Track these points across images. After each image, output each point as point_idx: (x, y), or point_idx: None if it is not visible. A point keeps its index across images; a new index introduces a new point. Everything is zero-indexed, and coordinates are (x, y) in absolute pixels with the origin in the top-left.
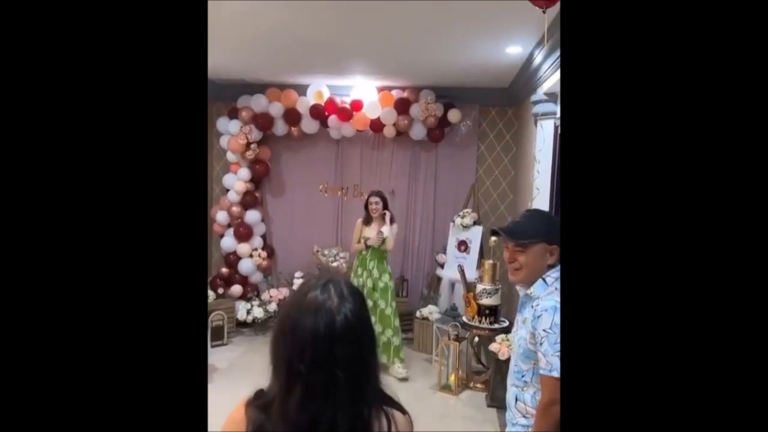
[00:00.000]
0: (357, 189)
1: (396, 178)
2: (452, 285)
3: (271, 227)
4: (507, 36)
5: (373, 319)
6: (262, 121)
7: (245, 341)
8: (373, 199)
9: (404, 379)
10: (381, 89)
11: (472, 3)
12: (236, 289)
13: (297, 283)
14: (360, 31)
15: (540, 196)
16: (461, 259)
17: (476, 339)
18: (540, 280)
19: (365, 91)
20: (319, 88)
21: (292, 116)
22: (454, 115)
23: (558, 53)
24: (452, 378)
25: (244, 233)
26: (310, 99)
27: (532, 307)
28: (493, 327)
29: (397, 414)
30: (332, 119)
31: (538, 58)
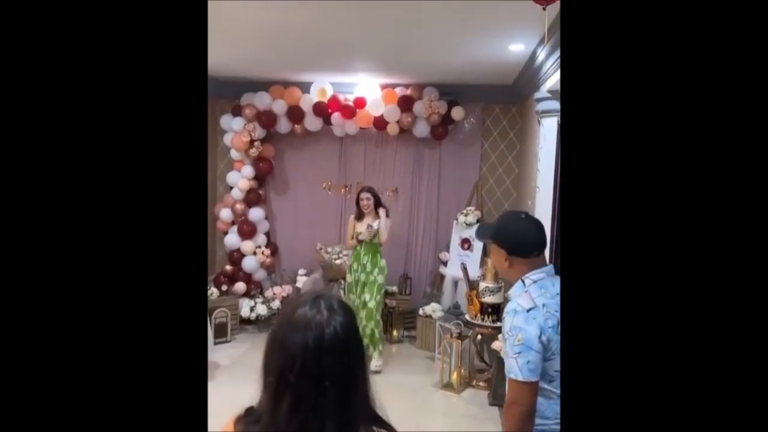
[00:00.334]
0: (360, 186)
1: (399, 176)
2: (455, 283)
3: (275, 225)
4: (510, 33)
5: (361, 315)
6: (266, 119)
7: (249, 338)
8: (364, 195)
9: (377, 372)
10: (384, 87)
11: (475, 1)
12: (240, 286)
13: (301, 280)
14: (364, 28)
15: (541, 194)
16: (464, 257)
17: (479, 337)
18: (519, 281)
19: (369, 89)
20: (323, 86)
21: (295, 114)
22: (457, 113)
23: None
24: (454, 376)
25: (247, 231)
26: (314, 96)
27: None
28: (495, 325)
29: None
30: (335, 117)
31: (540, 55)
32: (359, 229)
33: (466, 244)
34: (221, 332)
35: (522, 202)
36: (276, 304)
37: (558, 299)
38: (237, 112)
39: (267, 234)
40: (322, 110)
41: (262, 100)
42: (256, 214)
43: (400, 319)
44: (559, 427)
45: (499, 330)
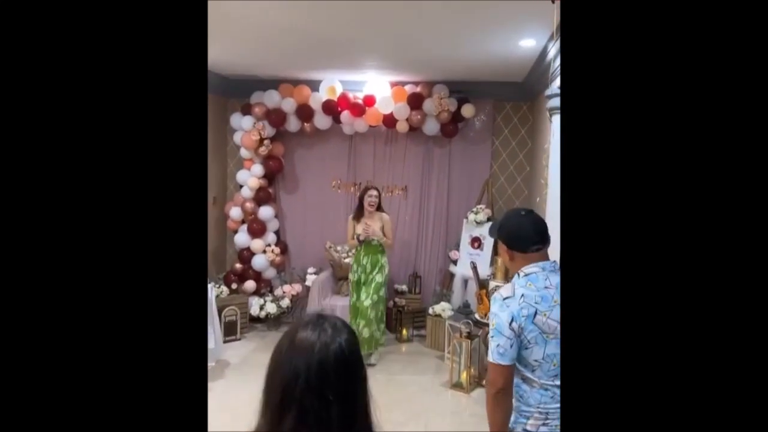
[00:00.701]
0: (370, 184)
1: (409, 174)
2: (465, 282)
3: (285, 223)
4: (520, 29)
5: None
6: (275, 117)
7: (258, 336)
8: (373, 192)
9: (370, 365)
10: (394, 84)
11: None
12: (250, 284)
13: (310, 278)
14: (373, 25)
15: (550, 190)
16: (474, 256)
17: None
18: (515, 274)
19: (378, 87)
20: (332, 84)
21: (304, 112)
22: (467, 110)
23: None
24: (464, 376)
25: (257, 229)
26: (323, 95)
27: None
28: None
29: None
30: (345, 115)
31: (551, 51)
32: (358, 229)
33: (476, 242)
34: (231, 330)
35: (532, 200)
36: (285, 303)
37: (543, 292)
38: (247, 110)
39: (277, 232)
40: (331, 108)
41: (271, 99)
42: (265, 212)
43: (409, 318)
44: (540, 414)
45: None
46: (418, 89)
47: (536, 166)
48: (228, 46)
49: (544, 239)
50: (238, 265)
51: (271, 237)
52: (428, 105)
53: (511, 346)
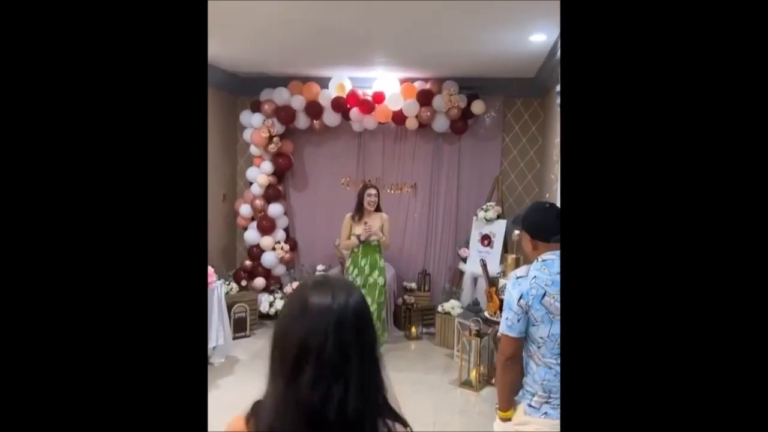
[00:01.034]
0: (379, 182)
1: (418, 171)
2: (474, 280)
3: (294, 220)
4: (530, 24)
5: None
6: (285, 115)
7: (267, 333)
8: (372, 191)
9: None
10: (403, 81)
11: None
12: (259, 281)
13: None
14: (382, 21)
15: (558, 185)
16: (484, 254)
17: (498, 334)
18: (535, 259)
19: (387, 83)
20: (341, 81)
21: (314, 109)
22: (477, 107)
23: None
24: (473, 374)
25: (267, 226)
26: (332, 91)
27: None
28: None
29: (399, 427)
30: (354, 112)
31: None
32: (357, 230)
33: (486, 240)
34: (241, 327)
35: (542, 197)
36: None
37: (555, 277)
38: (256, 108)
39: (286, 229)
40: (340, 105)
41: (280, 96)
42: (275, 209)
43: (418, 315)
44: (543, 392)
45: None
46: (428, 86)
47: (547, 162)
48: (237, 44)
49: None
50: (247, 262)
51: (280, 234)
52: (438, 101)
53: (518, 321)
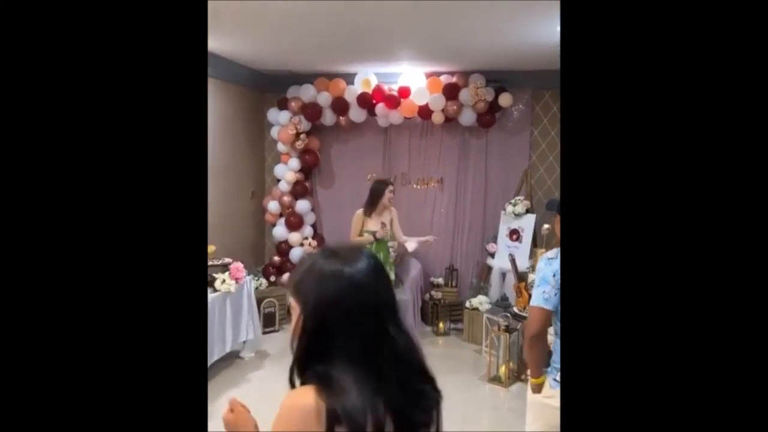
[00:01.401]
0: (405, 177)
1: (445, 166)
2: (503, 275)
3: (321, 216)
4: (557, 14)
5: None
6: (311, 111)
7: None
8: (392, 188)
9: None
10: (429, 75)
11: None
12: (287, 277)
13: None
14: (408, 16)
15: None
16: (513, 249)
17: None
18: None
19: (413, 78)
20: (367, 76)
21: (340, 105)
22: (505, 99)
23: None
24: (502, 370)
25: (294, 222)
26: (358, 87)
27: None
28: None
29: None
30: (380, 107)
31: None
32: (371, 226)
33: (514, 234)
34: (270, 322)
35: None
36: None
37: None
38: (283, 105)
39: (313, 225)
40: (366, 101)
41: (307, 93)
42: (302, 206)
43: (446, 311)
44: None
45: None
46: (454, 79)
47: None
48: (263, 42)
49: None
50: (276, 258)
51: (308, 230)
52: (464, 95)
53: (555, 294)
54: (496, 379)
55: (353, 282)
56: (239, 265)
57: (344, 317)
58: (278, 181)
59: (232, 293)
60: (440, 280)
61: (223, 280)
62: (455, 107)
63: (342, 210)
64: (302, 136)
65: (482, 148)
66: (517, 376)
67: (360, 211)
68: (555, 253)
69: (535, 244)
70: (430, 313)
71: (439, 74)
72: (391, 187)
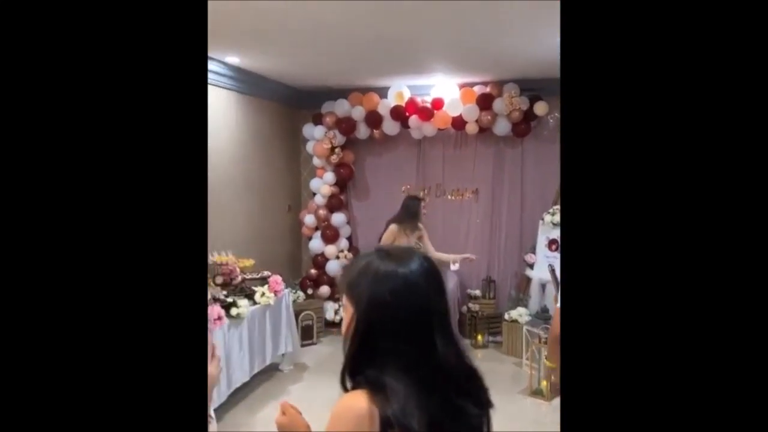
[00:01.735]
0: (440, 188)
1: (480, 176)
2: (543, 286)
3: (357, 229)
4: None
5: None
6: (345, 126)
7: (334, 341)
8: (423, 204)
9: None
10: (462, 86)
11: None
12: (324, 289)
13: None
14: (440, 28)
15: None
16: (552, 259)
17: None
18: None
19: (446, 89)
20: (400, 89)
21: (374, 119)
22: (540, 108)
23: None
24: (544, 383)
25: (330, 235)
26: (391, 100)
27: None
28: None
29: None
30: (413, 119)
31: None
32: (404, 241)
33: (554, 245)
34: (308, 334)
35: None
36: None
37: None
38: (318, 120)
39: (349, 238)
40: (399, 114)
41: (341, 108)
42: (338, 219)
43: (484, 323)
44: None
45: None
46: (488, 89)
47: None
48: (298, 59)
49: None
50: (312, 271)
51: (343, 243)
52: (498, 105)
53: None
54: (537, 393)
55: (407, 282)
56: (278, 278)
57: (396, 318)
58: (314, 194)
59: (271, 306)
60: (477, 292)
61: (263, 293)
62: (489, 117)
63: (377, 222)
64: (337, 150)
65: (518, 157)
66: (559, 389)
67: (395, 226)
68: None
69: None
70: (467, 325)
71: (472, 85)
72: (423, 203)
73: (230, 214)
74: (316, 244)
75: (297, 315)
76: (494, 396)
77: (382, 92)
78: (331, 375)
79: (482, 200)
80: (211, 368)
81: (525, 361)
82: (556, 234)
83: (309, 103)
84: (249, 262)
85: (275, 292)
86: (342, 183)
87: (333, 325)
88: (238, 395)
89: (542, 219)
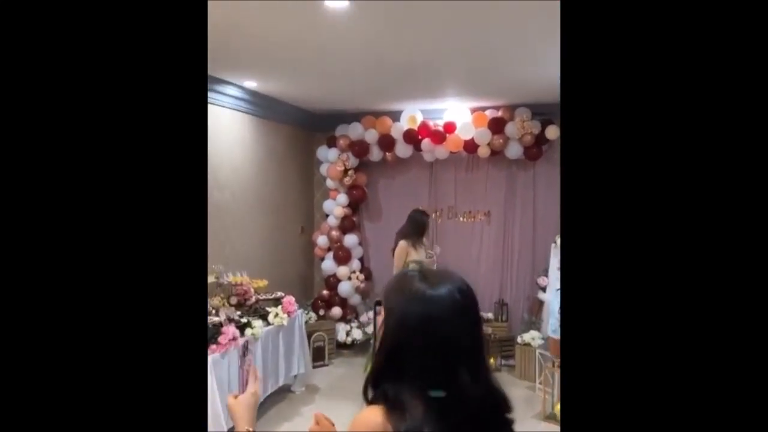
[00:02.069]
0: (452, 210)
1: (492, 199)
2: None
3: (369, 250)
4: None
5: None
6: (359, 148)
7: (345, 363)
8: (428, 218)
9: None
10: (474, 110)
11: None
12: (336, 311)
13: None
14: (451, 53)
15: None
16: None
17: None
18: None
19: (458, 113)
20: (413, 113)
21: (386, 142)
22: (552, 132)
23: None
24: (558, 407)
25: (343, 256)
26: (404, 124)
27: None
28: None
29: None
30: (425, 142)
31: None
32: (416, 256)
33: None
34: (319, 356)
35: None
36: (371, 329)
37: None
38: (332, 143)
39: (361, 259)
40: (412, 137)
41: (355, 131)
42: (350, 240)
43: (496, 346)
44: None
45: None
46: (499, 113)
47: None
48: (313, 84)
49: None
50: (324, 292)
51: (355, 264)
52: (510, 128)
53: (561, 326)
54: (551, 418)
55: (435, 308)
56: (291, 298)
57: (419, 342)
58: (327, 216)
59: (284, 327)
60: (490, 315)
61: (276, 314)
62: (501, 141)
63: (389, 243)
64: (350, 172)
65: (530, 180)
66: None
67: (404, 242)
68: None
69: None
70: None
71: (484, 109)
72: (428, 218)
73: (245, 235)
74: (328, 265)
75: (309, 336)
76: None
77: (395, 116)
78: (343, 397)
79: (494, 223)
80: (255, 388)
81: (538, 385)
82: None
83: (323, 126)
84: (263, 283)
85: (288, 313)
86: (354, 205)
87: (345, 347)
88: None
89: (555, 242)
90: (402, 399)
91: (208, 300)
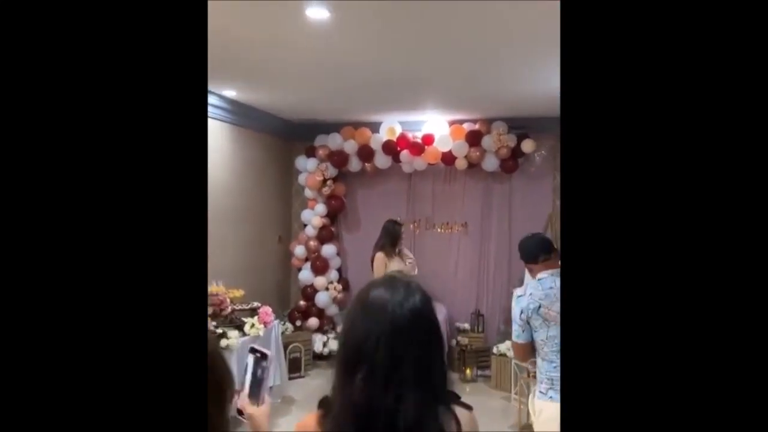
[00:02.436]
0: (429, 221)
1: (468, 210)
2: None
3: (347, 260)
4: None
5: None
6: (338, 159)
7: (322, 374)
8: (403, 228)
9: None
10: (452, 123)
11: (543, 30)
12: (313, 321)
13: None
14: (431, 67)
15: None
16: None
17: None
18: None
19: (436, 126)
20: (392, 125)
21: (365, 153)
22: (528, 145)
23: None
24: (533, 418)
25: (320, 266)
26: (383, 135)
27: None
28: None
29: (464, 411)
30: (404, 154)
31: None
32: (395, 266)
33: None
34: (295, 367)
35: None
36: None
37: (548, 291)
38: (311, 153)
39: (339, 269)
40: (391, 148)
41: (334, 141)
42: (328, 250)
43: (473, 357)
44: (548, 380)
45: None
46: (477, 126)
47: None
48: (292, 93)
49: (547, 251)
50: (301, 302)
51: (333, 274)
52: (487, 141)
53: (523, 331)
54: (527, 428)
55: (358, 312)
56: (268, 309)
57: (342, 344)
58: (305, 226)
59: (260, 337)
60: (466, 326)
61: (252, 324)
62: (478, 153)
63: (367, 254)
64: (329, 182)
65: (506, 192)
66: None
67: (381, 253)
68: (523, 290)
69: None
70: (456, 359)
71: (462, 122)
72: (402, 228)
73: (221, 244)
74: (305, 275)
75: (285, 347)
76: (483, 430)
77: (374, 127)
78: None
79: (471, 234)
80: (266, 409)
81: (514, 396)
82: None
83: (302, 135)
84: (239, 293)
85: (265, 324)
86: (333, 215)
87: (321, 358)
88: None
89: None
90: (333, 403)
91: None
